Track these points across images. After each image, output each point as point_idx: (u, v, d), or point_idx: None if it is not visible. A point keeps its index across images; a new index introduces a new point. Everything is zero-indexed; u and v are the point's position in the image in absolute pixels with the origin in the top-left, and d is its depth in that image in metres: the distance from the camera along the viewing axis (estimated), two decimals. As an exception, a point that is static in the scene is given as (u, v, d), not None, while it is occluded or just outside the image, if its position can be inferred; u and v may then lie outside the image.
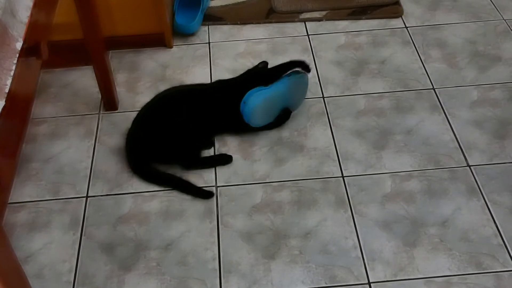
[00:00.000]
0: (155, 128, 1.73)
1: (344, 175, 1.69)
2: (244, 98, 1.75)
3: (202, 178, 1.69)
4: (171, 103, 1.79)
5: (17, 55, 1.01)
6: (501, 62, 2.04)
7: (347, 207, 1.61)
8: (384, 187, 1.66)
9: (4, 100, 0.93)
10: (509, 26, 2.17)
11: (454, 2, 2.30)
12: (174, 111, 1.76)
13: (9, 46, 0.99)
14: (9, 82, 0.95)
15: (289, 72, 1.86)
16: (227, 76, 2.01)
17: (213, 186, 1.67)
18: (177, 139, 1.71)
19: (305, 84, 1.89)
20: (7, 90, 0.94)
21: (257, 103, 1.74)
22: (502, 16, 2.23)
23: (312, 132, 1.82)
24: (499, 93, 1.92)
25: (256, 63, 2.05)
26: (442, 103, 1.90)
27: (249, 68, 1.97)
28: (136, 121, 1.79)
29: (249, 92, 1.76)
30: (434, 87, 1.95)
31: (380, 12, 2.25)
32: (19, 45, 1.03)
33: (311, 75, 2.01)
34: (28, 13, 1.11)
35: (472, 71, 2.00)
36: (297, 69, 1.88)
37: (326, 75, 2.01)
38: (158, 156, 1.72)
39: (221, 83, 1.90)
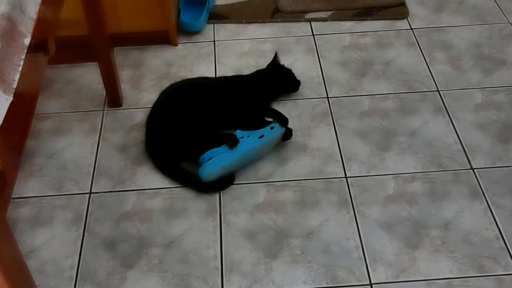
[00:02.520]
0: (174, 126, 1.73)
1: (347, 175, 1.70)
2: (205, 155, 1.63)
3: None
4: (183, 97, 1.80)
5: (25, 51, 1.01)
6: (505, 65, 2.04)
7: (349, 208, 1.61)
8: (387, 188, 1.66)
9: (12, 95, 0.93)
10: (514, 30, 2.17)
11: (460, 4, 2.30)
12: (188, 104, 1.77)
13: (17, 41, 0.99)
14: (17, 77, 0.96)
15: (269, 125, 1.72)
16: (231, 74, 2.01)
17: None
18: (195, 134, 1.71)
19: (278, 139, 1.74)
20: (15, 86, 0.94)
21: (216, 169, 1.62)
22: (507, 19, 2.22)
23: (316, 132, 1.82)
24: (503, 96, 1.92)
25: (260, 62, 2.06)
26: (446, 105, 1.90)
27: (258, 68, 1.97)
28: (152, 120, 1.79)
29: (211, 151, 1.63)
30: (439, 89, 1.95)
31: (385, 13, 2.25)
32: (27, 41, 1.03)
33: (316, 75, 2.02)
34: (37, 9, 1.11)
35: (477, 74, 2.00)
36: (275, 123, 1.73)
37: (331, 75, 2.01)
38: (182, 153, 1.71)
39: (229, 78, 1.94)
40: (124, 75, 2.03)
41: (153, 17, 2.08)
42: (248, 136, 1.68)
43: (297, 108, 1.90)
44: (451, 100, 1.91)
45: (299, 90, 1.94)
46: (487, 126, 1.82)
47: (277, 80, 1.90)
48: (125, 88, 1.97)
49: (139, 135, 1.82)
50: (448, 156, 1.74)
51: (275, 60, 1.95)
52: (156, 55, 2.11)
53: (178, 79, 2.00)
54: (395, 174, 1.69)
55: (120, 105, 1.91)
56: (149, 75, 2.03)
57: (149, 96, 1.95)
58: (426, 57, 2.07)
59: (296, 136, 1.80)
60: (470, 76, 2.00)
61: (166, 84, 1.98)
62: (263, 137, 1.68)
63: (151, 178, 1.70)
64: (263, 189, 1.66)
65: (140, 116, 1.88)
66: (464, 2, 2.30)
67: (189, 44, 2.15)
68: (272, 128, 1.71)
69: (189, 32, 2.19)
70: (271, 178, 1.69)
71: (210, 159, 1.62)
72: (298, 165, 1.73)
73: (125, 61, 2.09)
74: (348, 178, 1.69)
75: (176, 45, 2.15)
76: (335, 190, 1.66)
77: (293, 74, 1.94)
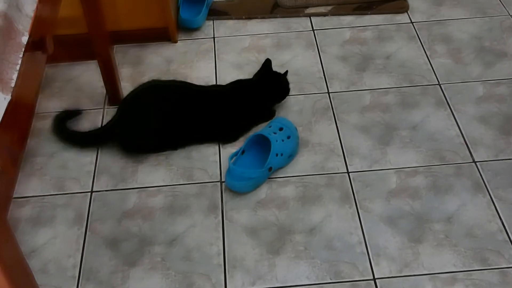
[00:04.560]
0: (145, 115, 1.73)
1: (349, 170, 1.69)
2: (232, 172, 1.62)
3: (207, 173, 1.69)
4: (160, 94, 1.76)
5: (23, 49, 1.01)
6: (507, 57, 2.02)
7: (352, 203, 1.61)
8: (389, 182, 1.65)
9: (10, 94, 0.92)
10: (515, 22, 2.16)
11: (460, -3, 2.29)
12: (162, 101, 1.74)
13: (14, 40, 0.98)
14: (15, 76, 0.95)
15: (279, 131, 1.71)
16: (231, 71, 2.01)
17: (218, 181, 1.67)
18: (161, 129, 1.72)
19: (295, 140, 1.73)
20: (13, 85, 0.94)
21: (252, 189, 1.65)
22: (508, 11, 2.21)
23: (317, 127, 1.82)
24: (505, 88, 1.91)
25: (261, 58, 2.05)
26: (447, 99, 1.89)
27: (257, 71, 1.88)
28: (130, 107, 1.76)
29: (237, 170, 1.61)
30: (440, 83, 1.94)
31: (385, 7, 2.24)
32: (24, 39, 1.02)
33: (316, 70, 2.01)
34: (34, 7, 1.10)
35: (478, 67, 1.99)
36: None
37: (331, 70, 2.00)
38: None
39: (214, 87, 1.90)
40: (124, 73, 2.02)
41: (152, 14, 2.07)
42: (281, 155, 1.67)
43: (298, 104, 1.89)
44: (452, 93, 1.90)
45: (300, 86, 1.94)
46: (489, 119, 1.81)
47: (263, 90, 1.82)
48: (125, 85, 1.96)
49: (139, 133, 1.81)
50: (450, 149, 1.73)
51: (265, 68, 1.85)
52: (155, 52, 2.11)
53: (178, 76, 2.00)
54: (397, 169, 1.69)
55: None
56: (149, 72, 2.03)
57: (149, 93, 1.94)
58: (426, 51, 2.06)
59: (298, 132, 1.79)
60: (471, 69, 1.99)
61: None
62: (291, 156, 1.71)
63: (153, 176, 1.69)
64: (265, 185, 1.66)
65: (141, 113, 1.87)
66: (465, -6, 2.29)
67: (189, 41, 2.15)
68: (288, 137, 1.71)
69: (188, 28, 2.18)
70: (272, 174, 1.68)
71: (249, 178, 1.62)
72: (299, 160, 1.72)
73: (124, 59, 2.08)
74: (350, 173, 1.68)
75: (176, 42, 2.14)
76: (337, 185, 1.65)
77: (281, 81, 1.84)
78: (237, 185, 1.62)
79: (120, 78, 1.92)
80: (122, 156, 1.75)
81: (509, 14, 2.20)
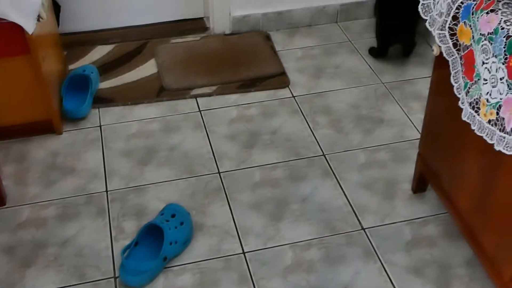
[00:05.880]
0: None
1: (244, 251, 1.70)
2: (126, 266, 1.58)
3: (99, 270, 1.63)
4: None
5: None
6: (383, 124, 2.15)
7: (250, 285, 1.61)
8: (285, 259, 1.68)
9: None
10: (387, 89, 2.31)
11: (336, 69, 2.42)
12: None
13: None
14: None
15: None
16: (120, 159, 1.99)
17: (111, 277, 1.62)
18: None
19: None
20: None
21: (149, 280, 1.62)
22: (380, 80, 2.37)
23: (211, 209, 1.82)
24: (384, 154, 2.03)
25: (149, 142, 2.05)
26: (333, 169, 1.97)
27: None
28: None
29: (132, 265, 1.59)
30: (324, 153, 2.03)
31: (268, 83, 2.33)
32: None
33: (206, 151, 2.03)
34: None
35: (358, 135, 2.10)
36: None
37: (220, 149, 2.04)
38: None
39: None
40: (7, 171, 1.94)
41: (34, 107, 2.02)
42: (176, 242, 1.65)
43: (189, 187, 1.89)
44: (337, 163, 1.99)
45: (191, 168, 1.95)
46: (372, 185, 1.90)
47: None
48: (8, 184, 1.88)
49: (26, 233, 1.73)
50: (340, 218, 1.80)
51: None
52: (40, 146, 2.05)
53: (65, 169, 1.95)
54: (292, 244, 1.72)
55: (4, 204, 1.82)
56: (34, 168, 1.96)
57: (35, 190, 1.87)
58: (309, 123, 2.15)
59: (191, 216, 1.78)
60: (352, 137, 2.09)
61: (52, 175, 1.92)
62: (186, 243, 1.70)
63: (42, 280, 1.61)
64: (161, 275, 1.62)
65: (27, 213, 1.80)
66: (340, 66, 2.43)
67: (75, 131, 2.11)
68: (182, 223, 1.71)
69: (73, 118, 2.14)
70: (168, 263, 1.65)
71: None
72: (195, 246, 1.71)
73: (7, 156, 2.00)
74: (246, 253, 1.69)
75: (61, 133, 2.09)
76: (234, 268, 1.65)
77: None
78: (131, 280, 1.58)
79: (2, 177, 1.84)
80: (7, 261, 1.66)
81: (382, 82, 2.35)
